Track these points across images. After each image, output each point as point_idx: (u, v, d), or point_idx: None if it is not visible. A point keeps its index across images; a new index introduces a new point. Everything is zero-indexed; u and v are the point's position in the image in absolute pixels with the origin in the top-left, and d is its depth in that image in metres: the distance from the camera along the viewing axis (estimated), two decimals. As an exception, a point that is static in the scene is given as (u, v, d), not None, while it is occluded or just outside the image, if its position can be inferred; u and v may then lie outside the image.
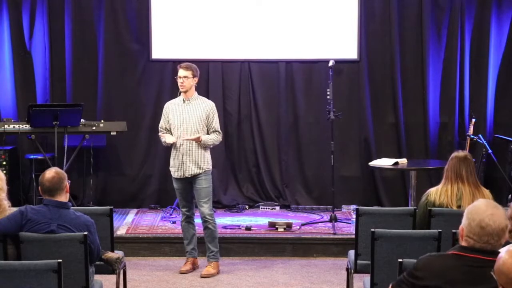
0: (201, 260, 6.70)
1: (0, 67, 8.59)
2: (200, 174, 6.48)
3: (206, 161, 6.52)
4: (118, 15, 8.66)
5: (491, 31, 8.62)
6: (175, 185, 6.60)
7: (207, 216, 6.49)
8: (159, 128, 6.65)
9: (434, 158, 8.55)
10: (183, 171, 6.47)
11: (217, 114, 6.61)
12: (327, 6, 8.67)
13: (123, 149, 8.78)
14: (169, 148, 6.73)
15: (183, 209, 6.60)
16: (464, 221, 3.05)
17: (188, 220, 6.61)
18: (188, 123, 6.45)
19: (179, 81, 6.48)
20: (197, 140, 6.40)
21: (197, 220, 6.73)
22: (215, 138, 6.52)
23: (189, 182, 6.51)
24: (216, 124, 6.54)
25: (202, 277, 6.42)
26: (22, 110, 8.47)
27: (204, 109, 6.51)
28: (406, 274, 3.14)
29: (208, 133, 6.51)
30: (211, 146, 6.59)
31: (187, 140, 6.40)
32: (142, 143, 8.76)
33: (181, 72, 6.48)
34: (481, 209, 3.02)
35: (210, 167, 6.59)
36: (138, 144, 8.76)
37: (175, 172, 6.53)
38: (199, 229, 6.76)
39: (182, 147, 6.45)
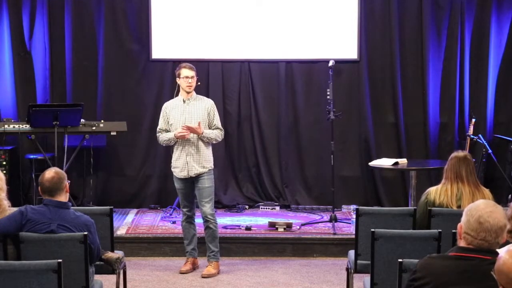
0: (201, 260, 6.70)
1: (0, 67, 8.59)
2: (203, 173, 6.48)
3: (209, 160, 6.53)
4: (118, 15, 8.66)
5: (491, 31, 8.62)
6: (177, 185, 6.59)
7: (209, 216, 6.49)
8: (158, 130, 6.61)
9: (434, 158, 8.54)
10: (188, 171, 6.46)
11: (217, 111, 6.61)
12: (327, 6, 8.67)
13: (123, 149, 8.78)
14: (169, 148, 6.71)
15: (184, 209, 6.60)
16: (463, 218, 3.10)
17: (189, 220, 6.61)
18: (190, 124, 6.43)
19: (187, 81, 6.46)
20: (198, 132, 6.37)
21: (197, 220, 6.73)
22: (217, 133, 6.53)
23: (192, 182, 6.51)
24: (217, 121, 6.55)
25: (203, 277, 6.42)
26: (22, 110, 8.48)
27: (204, 108, 6.52)
28: (408, 279, 3.18)
29: (209, 131, 6.53)
30: (213, 142, 6.57)
31: (190, 127, 6.34)
32: (142, 143, 8.76)
33: (189, 72, 6.47)
34: (480, 207, 3.07)
35: (213, 166, 6.59)
36: (138, 144, 8.76)
37: (179, 172, 6.51)
38: (199, 229, 6.76)
39: (186, 148, 6.45)
